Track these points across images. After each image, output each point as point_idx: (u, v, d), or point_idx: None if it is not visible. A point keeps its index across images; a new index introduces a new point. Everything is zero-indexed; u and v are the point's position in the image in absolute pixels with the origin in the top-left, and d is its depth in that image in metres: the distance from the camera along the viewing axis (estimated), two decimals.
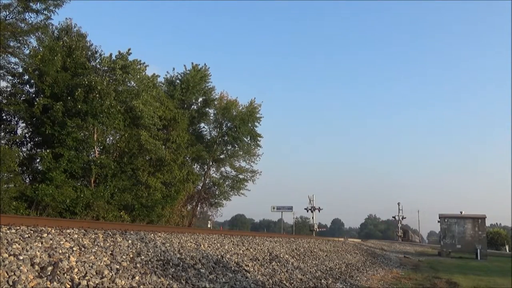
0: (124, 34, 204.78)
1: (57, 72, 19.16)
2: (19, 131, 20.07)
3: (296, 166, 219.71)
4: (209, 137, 32.84)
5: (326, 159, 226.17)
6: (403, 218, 75.91)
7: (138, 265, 6.72)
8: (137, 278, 6.17)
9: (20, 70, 19.37)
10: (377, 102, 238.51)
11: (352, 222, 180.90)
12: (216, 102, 32.00)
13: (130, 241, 7.81)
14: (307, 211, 54.00)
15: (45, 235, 6.51)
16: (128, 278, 6.03)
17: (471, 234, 31.57)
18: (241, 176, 33.62)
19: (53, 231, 6.94)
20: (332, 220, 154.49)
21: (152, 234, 9.36)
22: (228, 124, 31.62)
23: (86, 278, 5.51)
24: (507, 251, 50.37)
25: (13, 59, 18.20)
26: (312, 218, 54.02)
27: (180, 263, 7.70)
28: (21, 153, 19.60)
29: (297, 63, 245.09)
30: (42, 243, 6.04)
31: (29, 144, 20.62)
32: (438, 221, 33.42)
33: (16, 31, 16.67)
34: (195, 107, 31.68)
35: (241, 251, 11.12)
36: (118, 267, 6.27)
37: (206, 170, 32.85)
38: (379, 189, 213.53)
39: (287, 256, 13.02)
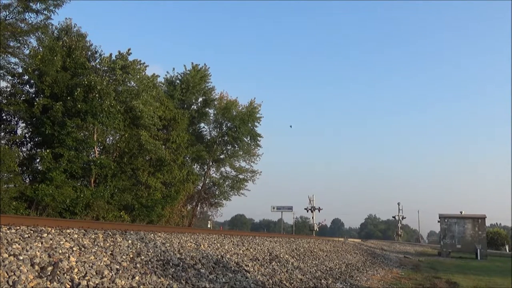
0: (124, 34, 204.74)
1: (57, 72, 19.16)
2: (19, 131, 20.08)
3: (296, 166, 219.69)
4: (209, 137, 32.88)
5: (326, 159, 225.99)
6: (403, 218, 75.96)
7: (138, 265, 6.72)
8: (137, 278, 6.17)
9: (20, 70, 19.37)
10: (377, 102, 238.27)
11: (352, 222, 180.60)
12: (216, 102, 32.03)
13: (130, 241, 7.81)
14: (307, 211, 54.10)
15: (45, 235, 6.51)
16: (128, 278, 6.02)
17: (471, 234, 31.58)
18: (241, 176, 33.65)
19: (53, 231, 6.94)
20: (332, 220, 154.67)
21: (152, 234, 9.36)
22: (228, 124, 31.64)
23: (86, 278, 5.51)
24: (507, 251, 50.36)
25: (13, 59, 18.19)
26: (312, 218, 54.08)
27: (180, 263, 7.70)
28: (21, 153, 19.60)
29: (298, 63, 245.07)
30: (42, 243, 6.04)
31: (29, 144, 20.63)
32: (438, 221, 33.42)
33: (16, 31, 16.65)
34: (195, 107, 31.70)
35: (241, 251, 11.12)
36: (118, 267, 6.27)
37: (206, 170, 32.87)
38: (379, 189, 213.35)
39: (287, 256, 13.02)
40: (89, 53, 22.58)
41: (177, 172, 26.09)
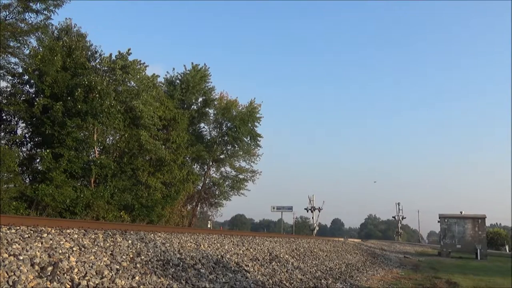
0: (125, 34, 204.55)
1: (57, 72, 19.17)
2: (19, 131, 20.09)
3: (296, 166, 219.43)
4: (209, 137, 32.88)
5: (326, 159, 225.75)
6: (403, 218, 76.01)
7: (138, 265, 6.72)
8: (137, 278, 6.17)
9: (20, 70, 19.40)
10: (377, 102, 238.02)
11: (352, 222, 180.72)
12: (216, 102, 32.03)
13: (130, 241, 7.81)
14: (307, 211, 54.11)
15: (45, 235, 6.50)
16: (128, 278, 6.03)
17: (471, 234, 31.56)
18: (241, 176, 33.68)
19: (53, 231, 6.94)
20: (332, 220, 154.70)
21: (152, 234, 9.36)
22: (228, 124, 31.66)
23: (86, 278, 5.51)
24: (507, 251, 50.32)
25: (13, 59, 18.22)
26: (312, 218, 54.08)
27: (180, 263, 7.70)
28: (21, 153, 19.61)
29: (298, 63, 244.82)
30: (42, 243, 6.04)
31: (29, 144, 20.64)
32: (438, 221, 33.40)
33: (16, 31, 16.66)
34: (195, 107, 31.70)
35: (241, 251, 11.13)
36: (118, 267, 6.27)
37: (206, 170, 32.88)
38: (379, 189, 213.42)
39: (287, 256, 13.02)
40: (89, 53, 22.60)
41: (177, 172, 26.09)
